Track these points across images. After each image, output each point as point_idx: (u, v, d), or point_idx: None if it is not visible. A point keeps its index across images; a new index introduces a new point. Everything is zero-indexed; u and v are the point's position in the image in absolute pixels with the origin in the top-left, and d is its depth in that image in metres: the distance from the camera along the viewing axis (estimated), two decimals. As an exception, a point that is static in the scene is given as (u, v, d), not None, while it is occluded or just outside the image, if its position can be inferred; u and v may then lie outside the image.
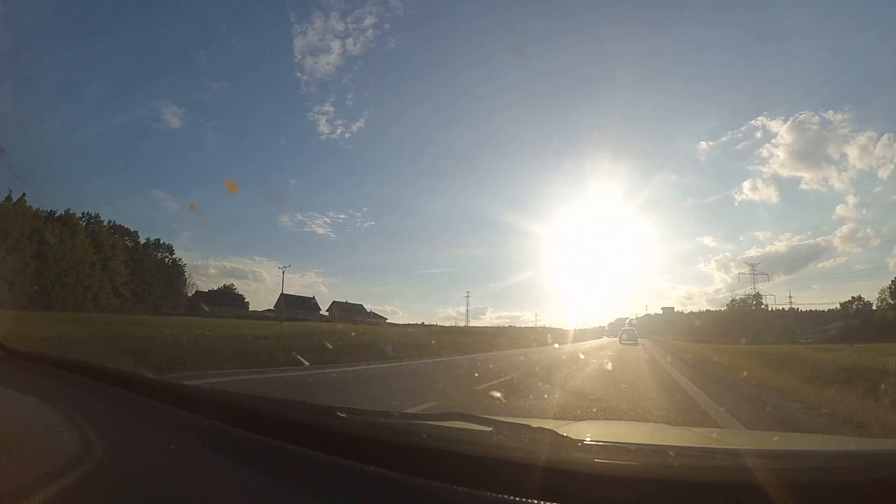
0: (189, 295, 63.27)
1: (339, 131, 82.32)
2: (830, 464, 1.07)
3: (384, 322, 63.27)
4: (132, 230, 56.48)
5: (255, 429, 1.25)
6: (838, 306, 67.95)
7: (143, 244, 58.23)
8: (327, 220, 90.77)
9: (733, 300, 73.68)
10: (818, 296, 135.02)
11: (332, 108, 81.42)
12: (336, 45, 71.71)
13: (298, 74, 77.22)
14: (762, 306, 71.89)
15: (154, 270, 57.50)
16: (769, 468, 0.90)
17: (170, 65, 71.97)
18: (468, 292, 75.91)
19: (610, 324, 78.66)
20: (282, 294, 67.23)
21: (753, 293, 71.29)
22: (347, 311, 68.19)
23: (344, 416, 1.27)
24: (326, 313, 71.39)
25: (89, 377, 1.91)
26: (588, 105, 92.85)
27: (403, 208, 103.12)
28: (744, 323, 63.10)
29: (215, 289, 69.32)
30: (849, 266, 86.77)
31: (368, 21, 73.89)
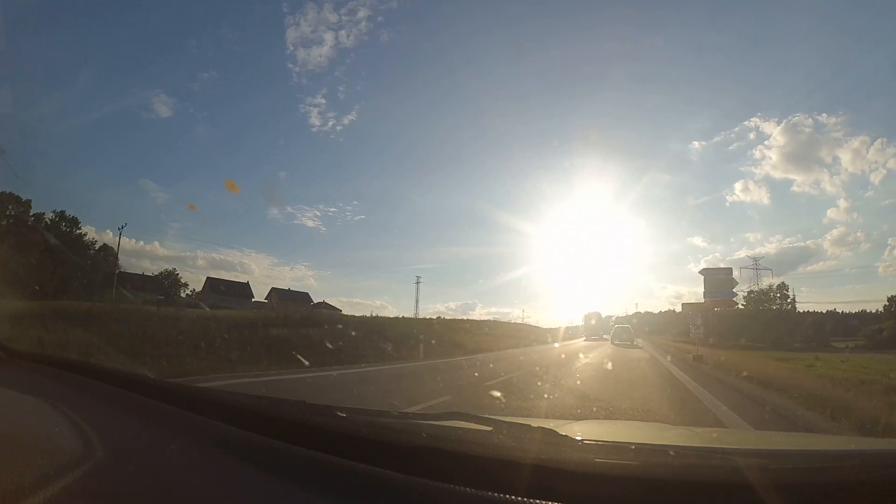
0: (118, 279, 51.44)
1: (330, 124, 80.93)
2: (830, 464, 1.07)
3: (337, 314, 51.81)
4: (23, 199, 43.99)
5: (254, 429, 1.26)
6: (881, 308, 57.37)
7: (35, 216, 45.20)
8: (317, 213, 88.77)
9: (751, 292, 57.96)
10: (805, 298, 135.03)
11: (323, 101, 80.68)
12: (329, 37, 71.12)
13: (290, 66, 76.26)
14: (788, 301, 56.95)
15: (52, 248, 42.44)
16: (769, 468, 0.90)
17: (160, 53, 70.86)
18: (418, 278, 65.73)
19: (586, 315, 55.87)
20: (208, 279, 59.46)
21: (777, 285, 57.54)
22: (289, 300, 56.62)
23: (344, 415, 1.27)
24: (265, 301, 61.21)
25: (89, 377, 1.91)
26: (581, 104, 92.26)
27: (394, 203, 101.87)
28: (765, 322, 51.70)
29: (143, 274, 56.61)
30: (838, 270, 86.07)
31: (362, 13, 73.53)
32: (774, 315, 55.39)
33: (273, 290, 63.34)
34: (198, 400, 1.56)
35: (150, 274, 58.04)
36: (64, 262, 46.51)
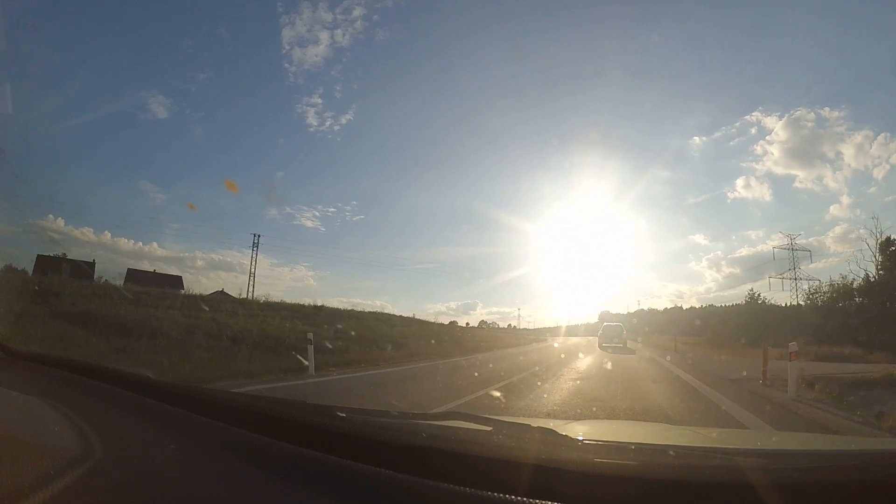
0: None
1: (327, 123, 79.94)
2: (830, 463, 1.07)
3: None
4: None
5: (254, 429, 1.26)
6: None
7: None
8: (316, 214, 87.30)
9: (885, 242, 28.53)
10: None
11: (320, 101, 79.10)
12: (324, 37, 70.88)
13: (286, 65, 75.86)
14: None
15: None
16: (769, 468, 0.90)
17: (156, 54, 69.77)
18: (255, 236, 45.35)
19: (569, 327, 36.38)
20: (38, 257, 33.39)
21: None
22: (153, 285, 38.78)
23: (344, 415, 1.27)
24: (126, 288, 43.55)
25: (89, 377, 1.91)
26: (580, 101, 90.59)
27: (394, 203, 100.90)
28: (856, 318, 25.75)
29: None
30: (841, 267, 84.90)
31: (357, 12, 73.16)
32: (870, 311, 27.08)
33: (130, 271, 45.63)
34: (198, 400, 1.56)
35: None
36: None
